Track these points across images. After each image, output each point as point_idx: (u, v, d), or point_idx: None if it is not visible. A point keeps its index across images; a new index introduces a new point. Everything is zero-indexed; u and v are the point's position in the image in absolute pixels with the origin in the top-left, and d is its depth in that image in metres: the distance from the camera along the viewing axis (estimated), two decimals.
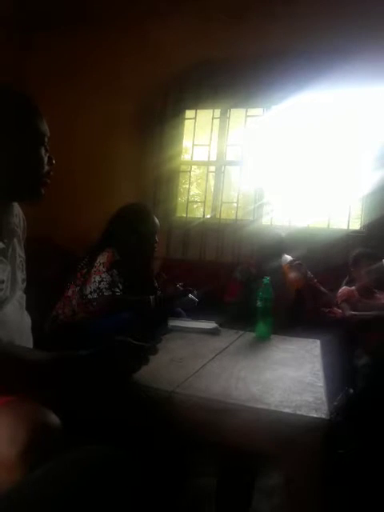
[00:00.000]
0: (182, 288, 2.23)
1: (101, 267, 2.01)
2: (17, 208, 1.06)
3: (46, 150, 0.99)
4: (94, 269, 2.02)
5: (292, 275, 2.61)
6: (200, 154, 3.79)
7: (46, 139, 0.99)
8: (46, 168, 0.99)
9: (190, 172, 3.90)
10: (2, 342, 0.85)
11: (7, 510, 0.54)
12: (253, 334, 1.68)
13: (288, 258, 2.69)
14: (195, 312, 2.14)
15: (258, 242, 2.81)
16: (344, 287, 2.63)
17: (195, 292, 2.26)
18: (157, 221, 2.26)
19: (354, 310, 2.46)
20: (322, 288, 2.71)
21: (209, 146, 3.71)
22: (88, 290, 2.01)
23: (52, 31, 3.59)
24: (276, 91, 3.29)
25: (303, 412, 0.90)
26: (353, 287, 2.58)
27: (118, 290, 2.02)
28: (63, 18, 3.46)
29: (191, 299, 2.21)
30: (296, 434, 0.88)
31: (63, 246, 3.14)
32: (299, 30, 3.06)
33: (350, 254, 2.66)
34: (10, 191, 0.96)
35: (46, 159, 0.99)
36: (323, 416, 0.88)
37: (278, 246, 2.67)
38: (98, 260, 2.03)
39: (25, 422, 0.72)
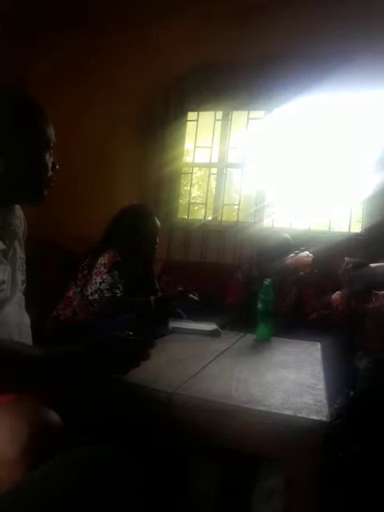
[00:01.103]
0: (182, 289, 2.23)
1: (102, 268, 2.01)
2: (18, 209, 1.07)
3: (51, 156, 1.00)
4: (95, 270, 2.02)
5: (298, 257, 2.60)
6: (202, 156, 3.79)
7: (52, 145, 1.00)
8: (50, 173, 1.00)
9: (191, 174, 3.91)
10: (2, 341, 0.86)
11: (7, 510, 0.54)
12: (253, 336, 1.68)
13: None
14: (196, 313, 2.14)
15: (264, 244, 2.80)
16: (338, 291, 2.62)
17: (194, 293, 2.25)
18: (158, 222, 2.27)
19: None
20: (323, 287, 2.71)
21: (210, 148, 3.70)
22: (89, 290, 2.01)
23: (54, 33, 3.60)
24: (278, 94, 3.29)
25: (304, 414, 0.90)
26: None
27: (118, 291, 2.02)
28: (65, 19, 3.48)
29: (192, 300, 2.21)
30: (296, 436, 0.88)
31: (65, 246, 3.14)
32: (301, 33, 3.07)
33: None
34: (13, 194, 0.97)
35: (50, 164, 1.00)
36: (324, 418, 0.88)
37: (284, 248, 2.67)
38: (99, 261, 2.03)
39: (26, 420, 0.72)
